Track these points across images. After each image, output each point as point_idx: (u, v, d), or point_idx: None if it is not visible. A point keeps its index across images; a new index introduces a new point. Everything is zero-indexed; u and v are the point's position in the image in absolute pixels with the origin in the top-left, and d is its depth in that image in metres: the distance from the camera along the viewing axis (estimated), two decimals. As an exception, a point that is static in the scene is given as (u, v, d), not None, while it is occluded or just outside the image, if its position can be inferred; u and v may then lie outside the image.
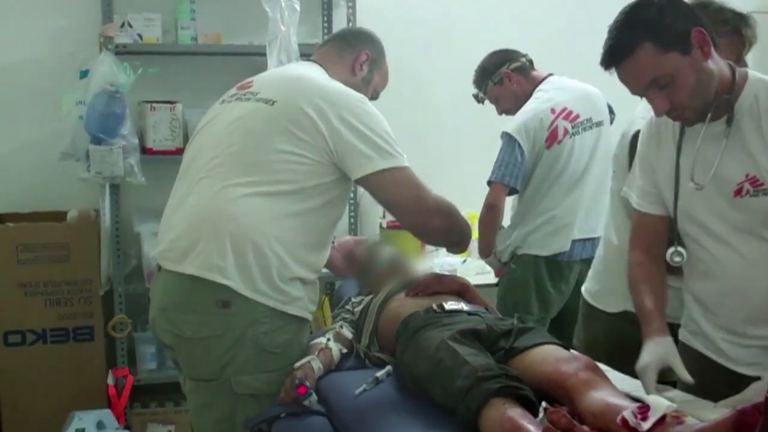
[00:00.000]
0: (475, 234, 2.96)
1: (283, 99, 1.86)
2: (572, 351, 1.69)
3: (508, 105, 2.92)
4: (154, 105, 3.07)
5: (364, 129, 1.82)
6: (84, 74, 2.92)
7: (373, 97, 2.08)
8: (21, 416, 2.98)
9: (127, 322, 3.07)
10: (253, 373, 1.80)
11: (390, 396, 1.74)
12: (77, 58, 3.06)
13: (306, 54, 3.00)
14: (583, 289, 2.38)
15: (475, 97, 2.98)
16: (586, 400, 1.46)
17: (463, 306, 1.93)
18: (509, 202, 2.92)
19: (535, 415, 1.45)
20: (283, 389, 1.77)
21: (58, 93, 2.98)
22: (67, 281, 3.00)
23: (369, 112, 1.86)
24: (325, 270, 2.03)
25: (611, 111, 2.96)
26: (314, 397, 1.75)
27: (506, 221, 2.98)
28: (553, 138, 2.78)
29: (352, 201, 3.34)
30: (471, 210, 2.89)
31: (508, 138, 2.75)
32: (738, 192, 1.61)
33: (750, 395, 1.49)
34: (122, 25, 3.05)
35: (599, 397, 1.45)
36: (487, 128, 2.92)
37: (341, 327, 2.05)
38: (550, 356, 1.63)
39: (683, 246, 1.74)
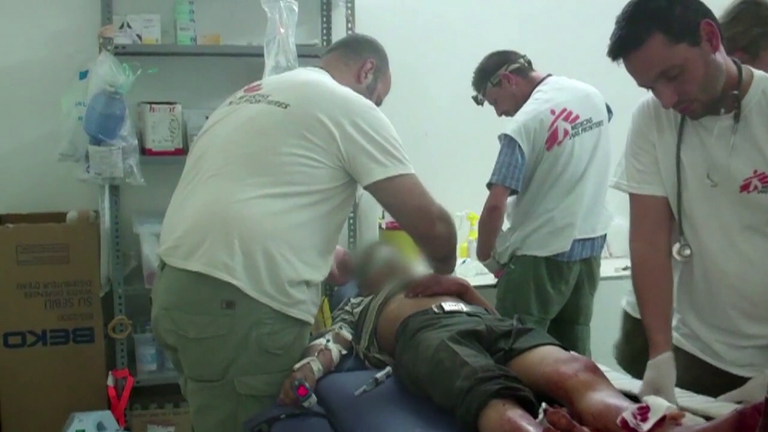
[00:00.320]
0: (473, 234, 2.97)
1: (296, 102, 1.89)
2: (572, 352, 1.68)
3: (507, 106, 2.92)
4: (153, 106, 3.07)
5: (375, 135, 1.85)
6: (83, 75, 2.92)
7: (377, 104, 2.10)
8: (21, 417, 2.97)
9: (127, 323, 3.07)
10: (255, 374, 1.81)
11: (389, 397, 1.74)
12: (76, 59, 3.06)
13: (305, 55, 3.01)
14: (624, 302, 2.35)
15: (474, 98, 2.98)
16: (585, 400, 1.46)
17: (462, 307, 1.94)
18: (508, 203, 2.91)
19: (535, 416, 1.45)
20: (283, 390, 1.78)
21: (57, 94, 2.98)
22: (67, 282, 3.00)
23: (380, 119, 1.90)
24: None
25: (609, 110, 2.96)
26: (314, 398, 1.75)
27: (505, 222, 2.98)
28: (553, 139, 2.78)
29: (351, 201, 3.34)
30: (470, 211, 2.89)
31: (508, 140, 2.75)
32: (745, 187, 1.60)
33: (750, 389, 1.49)
34: (121, 26, 3.05)
35: (599, 397, 1.45)
36: (486, 130, 2.91)
37: (341, 328, 2.05)
38: (550, 357, 1.63)
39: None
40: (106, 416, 2.88)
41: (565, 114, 2.80)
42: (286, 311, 1.81)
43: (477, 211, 2.85)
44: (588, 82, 2.94)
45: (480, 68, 2.93)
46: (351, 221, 3.43)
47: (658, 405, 1.32)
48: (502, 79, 2.88)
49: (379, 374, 1.81)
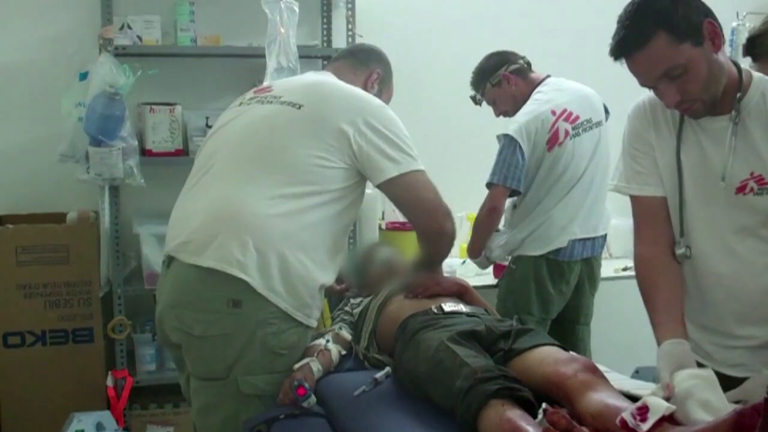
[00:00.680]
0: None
1: (309, 103, 1.91)
2: (571, 352, 1.69)
3: (507, 107, 2.92)
4: (153, 107, 3.07)
5: (388, 133, 1.88)
6: (83, 76, 2.92)
7: None
8: (20, 418, 2.97)
9: (127, 323, 3.07)
10: (259, 374, 1.81)
11: (389, 397, 1.74)
12: (77, 59, 3.05)
13: (305, 56, 3.02)
14: None
15: (473, 98, 2.98)
16: (585, 401, 1.46)
17: (462, 307, 1.94)
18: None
19: (534, 416, 1.45)
20: (282, 390, 1.78)
21: (57, 95, 2.98)
22: (67, 283, 3.00)
23: (391, 117, 1.93)
24: None
25: (606, 111, 2.97)
26: (313, 398, 1.76)
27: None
28: (554, 140, 2.78)
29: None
30: (470, 212, 2.89)
31: (508, 140, 2.74)
32: (741, 189, 1.60)
33: (749, 388, 1.49)
34: (122, 27, 3.05)
35: (598, 398, 1.45)
36: (486, 131, 2.92)
37: (340, 328, 2.05)
38: (549, 357, 1.63)
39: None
40: (106, 416, 2.88)
41: (565, 115, 2.81)
42: (292, 313, 1.82)
43: (477, 212, 2.84)
44: (585, 83, 2.95)
45: (479, 68, 2.93)
46: (351, 222, 3.43)
47: (658, 405, 1.32)
48: (502, 79, 2.88)
49: (379, 374, 1.81)
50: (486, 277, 3.24)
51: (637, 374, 2.95)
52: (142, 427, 3.14)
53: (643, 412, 1.32)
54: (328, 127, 1.86)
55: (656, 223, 1.70)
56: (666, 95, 1.56)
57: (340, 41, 3.37)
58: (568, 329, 2.99)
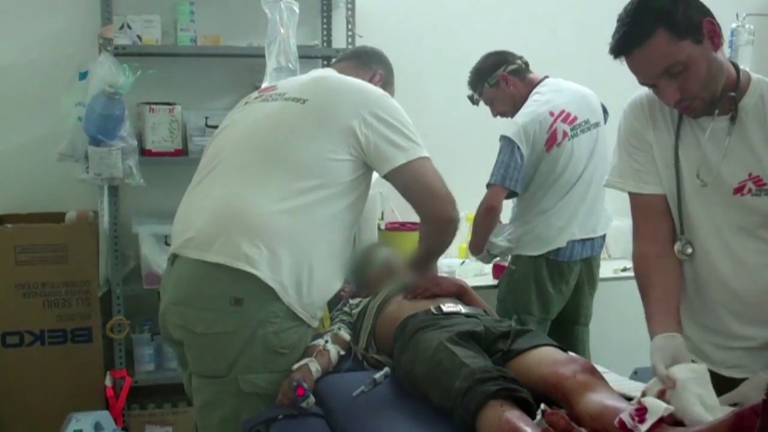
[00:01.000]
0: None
1: (313, 97, 1.93)
2: (570, 353, 1.69)
3: (504, 107, 2.93)
4: (153, 106, 3.07)
5: (394, 122, 1.90)
6: (83, 75, 2.92)
7: None
8: (19, 417, 2.97)
9: (125, 323, 3.07)
10: (260, 373, 1.82)
11: (388, 398, 1.74)
12: (76, 59, 3.06)
13: (305, 56, 3.02)
14: None
15: (470, 98, 2.98)
16: (583, 402, 1.46)
17: (461, 308, 1.94)
18: (507, 204, 2.91)
19: (533, 417, 1.45)
20: (281, 391, 1.78)
21: (57, 94, 2.97)
22: (66, 282, 3.00)
23: (395, 106, 1.96)
24: None
25: (605, 111, 2.97)
26: (312, 398, 1.76)
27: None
28: (552, 141, 2.78)
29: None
30: (469, 212, 2.89)
31: (507, 142, 2.75)
32: (739, 190, 1.60)
33: (745, 391, 1.49)
34: (121, 27, 3.05)
35: (597, 399, 1.45)
36: (486, 131, 2.92)
37: (339, 329, 2.05)
38: (548, 358, 1.63)
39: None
40: (104, 416, 2.87)
41: (563, 115, 2.81)
42: (296, 310, 1.82)
43: (474, 211, 2.84)
44: (584, 84, 2.95)
45: (477, 68, 2.93)
46: (350, 222, 3.43)
47: (656, 406, 1.32)
48: (500, 80, 2.88)
49: (378, 375, 1.81)
50: (485, 278, 3.25)
51: (636, 375, 2.95)
52: (141, 427, 3.13)
53: (641, 413, 1.32)
54: (334, 120, 1.88)
55: (655, 221, 1.70)
56: (666, 93, 1.56)
57: (340, 41, 3.37)
58: (568, 330, 2.99)
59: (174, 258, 1.90)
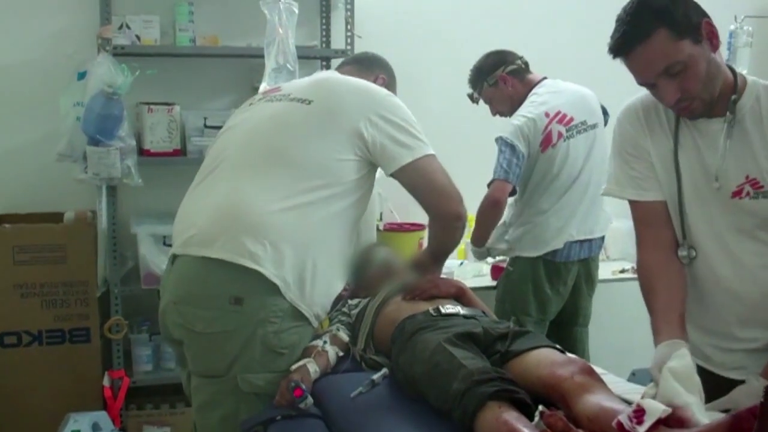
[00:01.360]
0: (470, 237, 2.97)
1: (318, 98, 1.94)
2: (568, 354, 1.68)
3: (503, 107, 2.93)
4: (151, 107, 3.07)
5: (400, 121, 1.91)
6: (82, 75, 2.92)
7: None
8: (16, 418, 2.97)
9: (123, 323, 3.07)
10: (259, 372, 1.82)
11: (386, 399, 1.74)
12: (75, 59, 3.06)
13: (304, 56, 3.02)
14: None
15: (470, 96, 2.99)
16: (581, 403, 1.46)
17: (459, 309, 1.94)
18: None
19: (531, 418, 1.45)
20: (279, 392, 1.78)
21: (55, 94, 2.97)
22: (64, 282, 3.00)
23: (400, 105, 1.97)
24: None
25: (605, 113, 2.97)
26: (310, 399, 1.75)
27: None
28: (547, 141, 2.79)
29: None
30: (469, 213, 2.89)
31: (505, 142, 2.76)
32: (737, 193, 1.60)
33: (736, 397, 1.49)
34: (120, 27, 3.05)
35: (595, 400, 1.45)
36: (485, 132, 2.92)
37: (338, 330, 2.04)
38: (546, 359, 1.63)
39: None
40: (102, 417, 2.87)
41: (559, 117, 2.81)
42: (298, 306, 1.82)
43: (475, 214, 2.84)
44: (585, 85, 2.95)
45: (477, 67, 2.94)
46: (348, 223, 3.43)
47: (654, 408, 1.32)
48: (499, 80, 2.89)
49: (376, 376, 1.81)
50: (484, 279, 3.26)
51: (634, 377, 2.96)
52: (139, 428, 3.13)
53: (639, 414, 1.32)
54: (340, 121, 1.88)
55: (656, 228, 1.70)
56: (666, 93, 1.56)
57: (338, 42, 3.37)
58: (566, 331, 2.99)
59: (174, 258, 1.90)
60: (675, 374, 1.40)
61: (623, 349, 3.29)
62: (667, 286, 1.64)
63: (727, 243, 1.64)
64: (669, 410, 1.33)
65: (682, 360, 1.43)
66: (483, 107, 3.01)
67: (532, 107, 2.82)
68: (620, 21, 1.55)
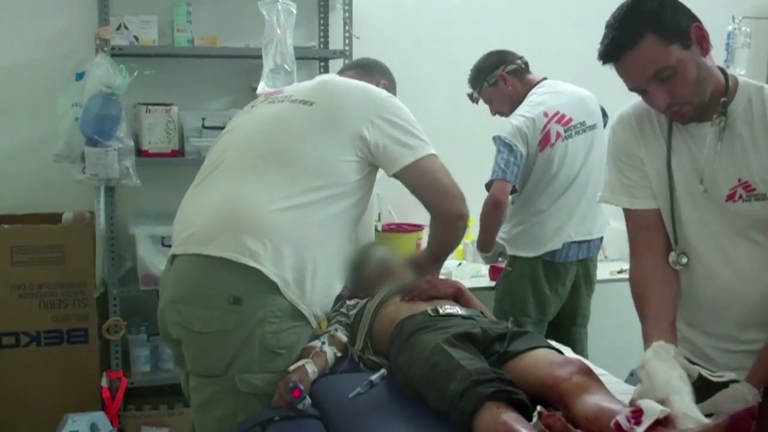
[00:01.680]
0: (470, 237, 2.97)
1: (320, 100, 1.95)
2: (566, 354, 1.68)
3: (502, 107, 2.94)
4: (149, 107, 3.07)
5: (401, 121, 1.93)
6: (80, 76, 2.92)
7: None
8: (14, 418, 2.96)
9: (122, 324, 3.07)
10: (257, 373, 1.82)
11: (384, 399, 1.74)
12: (73, 59, 3.06)
13: (302, 57, 3.02)
14: None
15: (470, 96, 2.99)
16: (579, 404, 1.46)
17: (458, 310, 1.94)
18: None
19: (529, 419, 1.45)
20: (278, 392, 1.78)
21: (53, 95, 2.97)
22: (62, 283, 2.99)
23: (401, 106, 1.98)
24: None
25: (604, 114, 2.97)
26: (308, 400, 1.75)
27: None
28: (545, 141, 2.79)
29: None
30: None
31: (503, 142, 2.76)
32: (730, 197, 1.60)
33: (721, 400, 1.48)
34: (118, 27, 3.05)
35: (593, 401, 1.45)
36: (485, 133, 2.92)
37: (336, 330, 2.04)
38: (544, 360, 1.63)
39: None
40: (100, 417, 2.87)
41: (558, 117, 2.82)
42: (298, 305, 1.82)
43: (475, 215, 2.84)
44: (584, 87, 2.95)
45: (477, 67, 2.94)
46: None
47: (652, 408, 1.32)
48: (499, 79, 2.89)
49: (374, 376, 1.81)
50: (482, 279, 3.25)
51: (632, 377, 2.95)
52: (137, 428, 3.13)
53: (637, 415, 1.32)
54: (342, 123, 1.89)
55: (649, 235, 1.70)
56: (656, 98, 1.56)
57: (337, 43, 3.37)
58: (565, 331, 3.00)
59: (174, 258, 1.90)
60: (649, 374, 1.43)
61: (622, 350, 3.28)
62: (659, 294, 1.64)
63: (724, 246, 1.64)
64: (667, 411, 1.33)
65: (657, 359, 1.45)
66: (482, 107, 3.01)
67: (531, 107, 2.82)
68: (609, 27, 1.56)
